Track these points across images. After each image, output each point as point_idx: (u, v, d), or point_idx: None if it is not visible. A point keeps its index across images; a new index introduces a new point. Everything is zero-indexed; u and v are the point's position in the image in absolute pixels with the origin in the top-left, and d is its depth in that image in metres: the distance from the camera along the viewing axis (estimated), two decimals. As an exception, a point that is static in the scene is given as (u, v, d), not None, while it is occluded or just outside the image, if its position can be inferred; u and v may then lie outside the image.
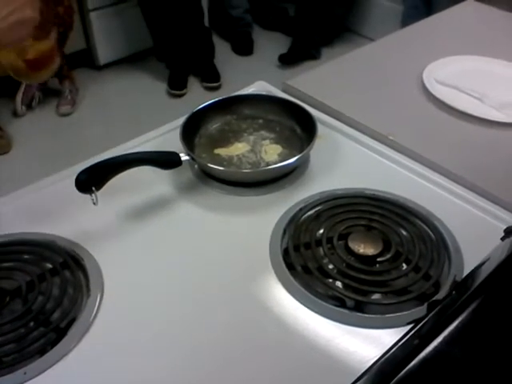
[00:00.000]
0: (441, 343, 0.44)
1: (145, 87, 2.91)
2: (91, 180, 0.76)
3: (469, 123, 1.01)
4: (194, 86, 2.94)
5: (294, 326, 0.66)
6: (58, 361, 0.63)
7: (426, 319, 0.51)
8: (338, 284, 0.70)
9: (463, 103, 1.04)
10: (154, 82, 2.94)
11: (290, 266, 0.73)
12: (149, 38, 2.86)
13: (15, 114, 2.63)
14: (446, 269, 0.72)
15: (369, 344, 0.64)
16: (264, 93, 1.08)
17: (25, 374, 0.61)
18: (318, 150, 0.90)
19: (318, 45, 3.12)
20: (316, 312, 0.68)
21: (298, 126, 0.98)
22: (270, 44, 3.29)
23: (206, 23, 2.96)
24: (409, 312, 0.66)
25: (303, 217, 0.80)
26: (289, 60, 3.02)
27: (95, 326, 0.66)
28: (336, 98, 1.06)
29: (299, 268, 0.72)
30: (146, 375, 0.62)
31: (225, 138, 0.96)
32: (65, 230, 0.79)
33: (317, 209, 0.81)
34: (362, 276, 0.70)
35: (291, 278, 0.71)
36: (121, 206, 0.84)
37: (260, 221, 0.81)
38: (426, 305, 0.66)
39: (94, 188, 0.75)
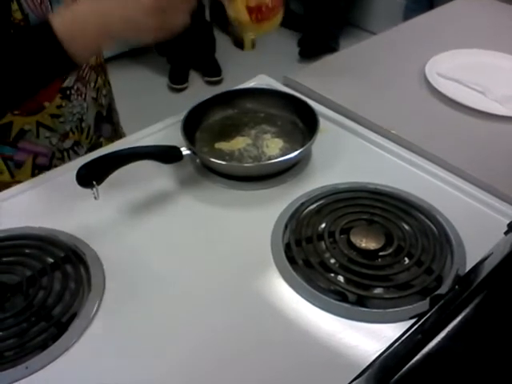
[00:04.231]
0: (444, 338, 0.43)
1: (146, 81, 2.91)
2: (92, 174, 0.76)
3: (471, 117, 1.00)
4: (195, 81, 2.93)
5: (295, 321, 0.66)
6: (59, 355, 0.63)
7: (428, 314, 0.51)
8: (340, 278, 0.70)
9: (466, 97, 1.03)
10: (155, 77, 2.94)
11: (292, 261, 0.73)
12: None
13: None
14: (448, 263, 0.72)
15: (371, 338, 0.64)
16: (265, 87, 1.07)
17: (26, 368, 0.61)
18: (319, 144, 0.90)
19: (335, 36, 3.10)
20: (318, 306, 0.67)
21: (300, 120, 0.97)
22: (271, 38, 3.27)
23: (207, 17, 2.95)
24: (411, 306, 0.66)
25: (305, 211, 0.80)
26: (310, 54, 3.00)
27: (96, 321, 0.66)
28: (338, 92, 1.06)
29: (301, 262, 0.72)
30: (147, 370, 0.62)
31: (226, 132, 0.96)
32: (66, 225, 0.78)
33: (319, 203, 0.81)
34: (364, 270, 0.70)
35: (293, 273, 0.71)
36: (122, 200, 0.83)
37: (261, 215, 0.81)
38: (428, 299, 0.66)
39: (94, 182, 0.75)
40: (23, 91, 0.78)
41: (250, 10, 0.77)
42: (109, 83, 1.08)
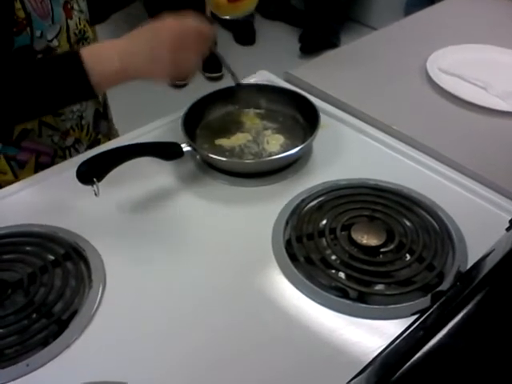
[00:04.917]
0: (445, 335, 0.43)
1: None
2: (92, 171, 0.75)
3: (473, 112, 1.00)
4: (196, 77, 2.92)
5: (296, 318, 0.66)
6: (60, 353, 0.62)
7: (430, 311, 0.51)
8: (341, 275, 0.70)
9: (467, 92, 1.03)
10: (156, 73, 2.93)
11: (293, 257, 0.72)
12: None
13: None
14: (449, 259, 0.72)
15: (372, 335, 0.64)
16: (266, 82, 1.07)
17: (27, 365, 0.61)
18: (320, 140, 0.90)
19: (336, 32, 3.09)
20: (319, 303, 0.67)
21: (301, 116, 0.97)
22: (272, 33, 3.27)
23: (208, 13, 2.94)
24: (412, 303, 0.66)
25: (306, 207, 0.79)
26: (311, 49, 2.98)
27: (97, 318, 0.66)
28: (339, 88, 1.06)
29: (302, 259, 0.72)
30: (147, 367, 0.62)
31: (227, 129, 0.96)
32: (66, 222, 0.78)
33: (319, 199, 0.81)
34: (365, 267, 0.70)
35: (294, 269, 0.71)
36: (122, 197, 0.83)
37: (262, 212, 0.80)
38: (429, 296, 0.66)
39: (95, 179, 0.75)
40: (38, 110, 0.82)
41: None
42: None
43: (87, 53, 0.75)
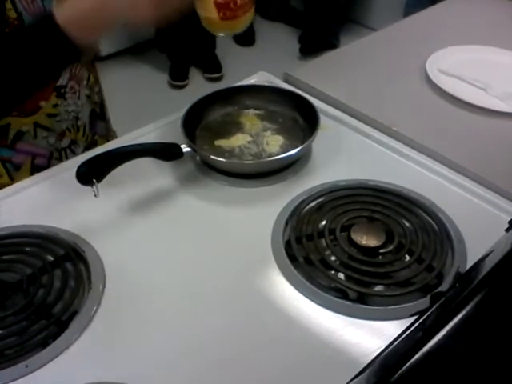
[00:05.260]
0: (444, 336, 0.43)
1: (146, 78, 2.91)
2: (92, 172, 0.75)
3: (472, 113, 1.00)
4: (196, 77, 2.93)
5: (296, 318, 0.66)
6: (59, 354, 0.62)
7: (429, 312, 0.51)
8: (341, 276, 0.70)
9: (467, 93, 1.03)
10: (156, 73, 2.93)
11: (292, 258, 0.72)
12: (150, 29, 2.84)
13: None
14: (449, 260, 0.72)
15: (372, 336, 0.64)
16: (266, 83, 1.07)
17: (26, 366, 0.61)
18: (320, 141, 0.90)
19: (336, 33, 3.09)
20: (318, 304, 0.67)
21: (300, 117, 0.97)
22: (271, 34, 3.27)
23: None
24: (412, 304, 0.66)
25: (305, 208, 0.79)
26: (310, 50, 2.99)
27: (97, 319, 0.66)
28: (338, 89, 1.06)
29: (301, 260, 0.72)
30: (147, 368, 0.62)
31: (226, 129, 0.96)
32: (66, 223, 0.78)
33: (319, 200, 0.81)
34: (365, 268, 0.70)
35: (293, 270, 0.71)
36: (122, 197, 0.83)
37: (262, 213, 0.80)
38: (429, 296, 0.65)
39: (94, 180, 0.75)
40: (33, 83, 0.77)
41: (218, 6, 0.76)
42: (99, 80, 1.08)
43: (59, 10, 0.69)
